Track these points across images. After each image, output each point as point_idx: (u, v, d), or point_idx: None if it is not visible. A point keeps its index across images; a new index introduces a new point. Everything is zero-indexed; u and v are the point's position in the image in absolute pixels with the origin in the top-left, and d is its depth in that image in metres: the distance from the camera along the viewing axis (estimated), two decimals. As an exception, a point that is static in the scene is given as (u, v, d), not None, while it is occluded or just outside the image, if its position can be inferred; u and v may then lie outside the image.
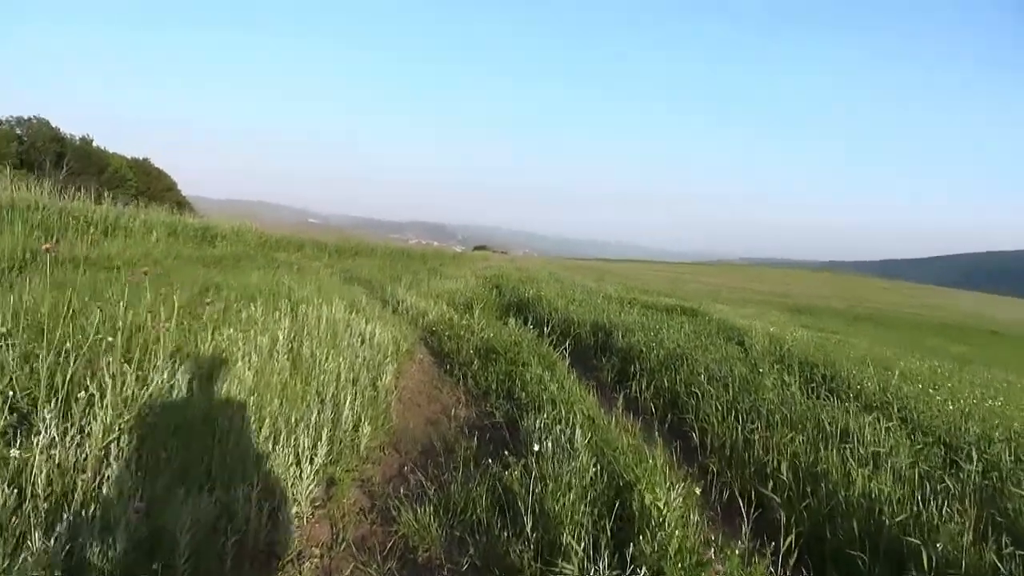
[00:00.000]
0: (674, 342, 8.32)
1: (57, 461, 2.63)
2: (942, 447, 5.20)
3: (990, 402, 7.54)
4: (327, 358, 5.22)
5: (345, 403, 4.53)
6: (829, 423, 5.27)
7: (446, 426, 5.31)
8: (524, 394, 5.74)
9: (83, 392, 2.95)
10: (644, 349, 7.96)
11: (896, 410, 6.12)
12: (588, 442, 4.17)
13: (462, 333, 8.17)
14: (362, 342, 6.57)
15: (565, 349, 7.79)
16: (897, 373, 8.16)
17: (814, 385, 7.09)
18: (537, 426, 4.57)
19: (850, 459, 4.53)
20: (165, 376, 3.47)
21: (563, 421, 4.67)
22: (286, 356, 4.99)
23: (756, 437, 5.06)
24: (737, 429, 5.29)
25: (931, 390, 7.41)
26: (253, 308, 6.08)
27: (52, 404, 2.82)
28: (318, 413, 4.21)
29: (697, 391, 6.29)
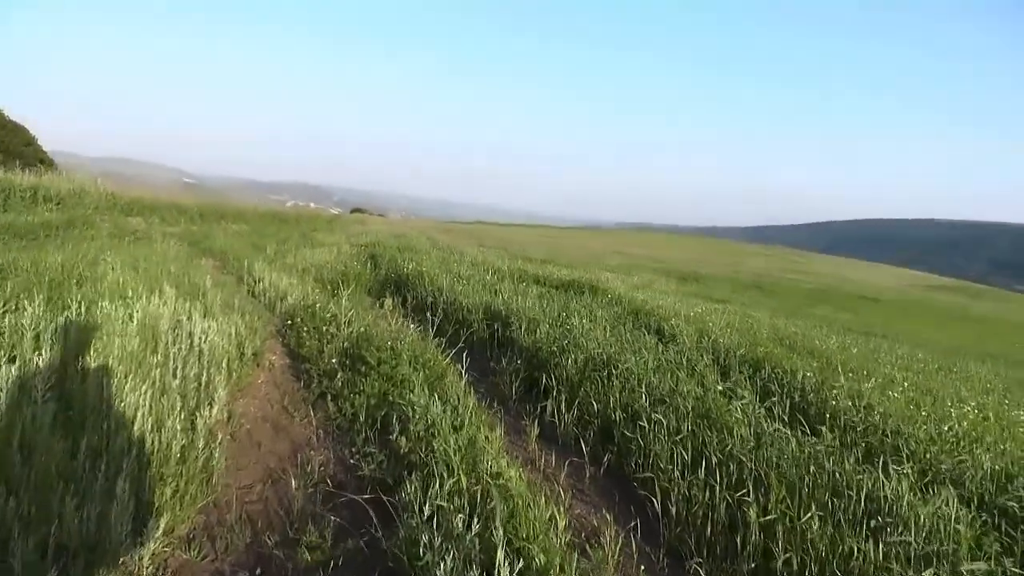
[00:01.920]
0: (592, 339, 6.86)
1: None
2: (995, 515, 3.81)
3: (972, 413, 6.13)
4: (121, 392, 3.75)
5: (126, 481, 2.97)
6: (846, 486, 3.81)
7: (291, 489, 3.73)
8: (404, 439, 4.13)
9: None
10: (556, 351, 6.47)
11: (904, 448, 4.69)
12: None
13: (325, 328, 6.59)
14: (191, 347, 5.11)
15: (455, 348, 6.44)
16: (871, 386, 6.52)
17: (773, 398, 5.64)
18: (424, 511, 3.13)
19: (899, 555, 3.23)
20: None
21: (468, 505, 3.25)
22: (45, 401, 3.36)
23: (752, 513, 3.57)
24: (712, 491, 3.87)
25: (912, 406, 6.03)
26: (29, 307, 4.49)
27: None
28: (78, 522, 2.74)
29: (641, 420, 4.78)
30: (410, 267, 11.67)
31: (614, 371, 5.74)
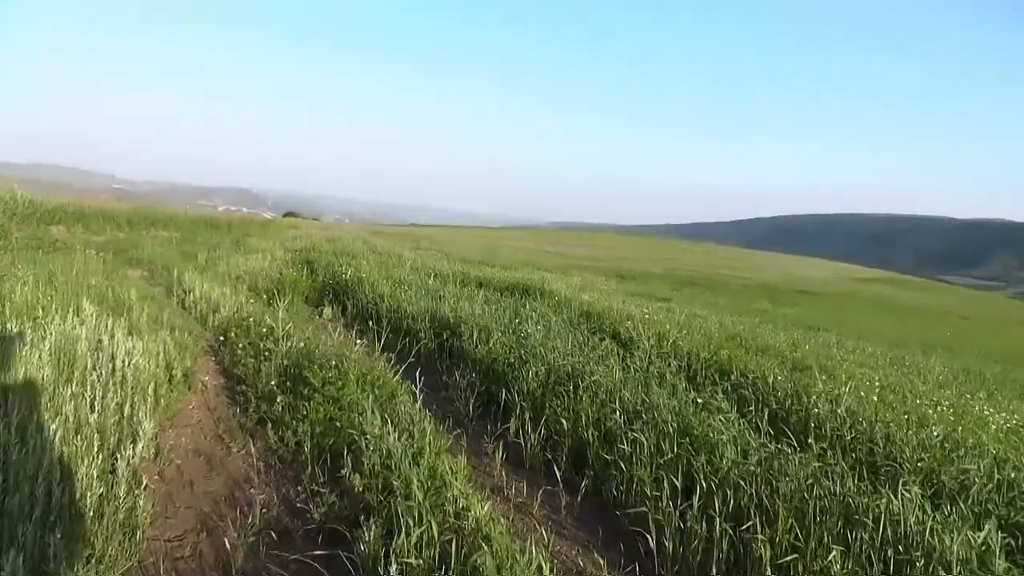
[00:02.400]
0: (550, 348, 6.45)
1: None
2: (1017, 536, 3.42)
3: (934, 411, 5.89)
4: (25, 433, 3.25)
5: (20, 555, 2.48)
6: (858, 511, 3.45)
7: (229, 539, 3.22)
8: (358, 476, 3.62)
9: None
10: (514, 362, 6.06)
11: (900, 459, 4.32)
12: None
13: (261, 343, 6.10)
14: (113, 372, 4.65)
15: (405, 364, 5.97)
16: (847, 389, 6.02)
17: (750, 407, 5.25)
18: (389, 569, 2.73)
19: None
20: None
21: (440, 557, 2.85)
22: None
23: (762, 550, 3.19)
24: (710, 522, 3.46)
25: (889, 409, 5.64)
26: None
27: None
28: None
29: (619, 441, 4.38)
30: (349, 273, 11.20)
31: (580, 384, 5.33)
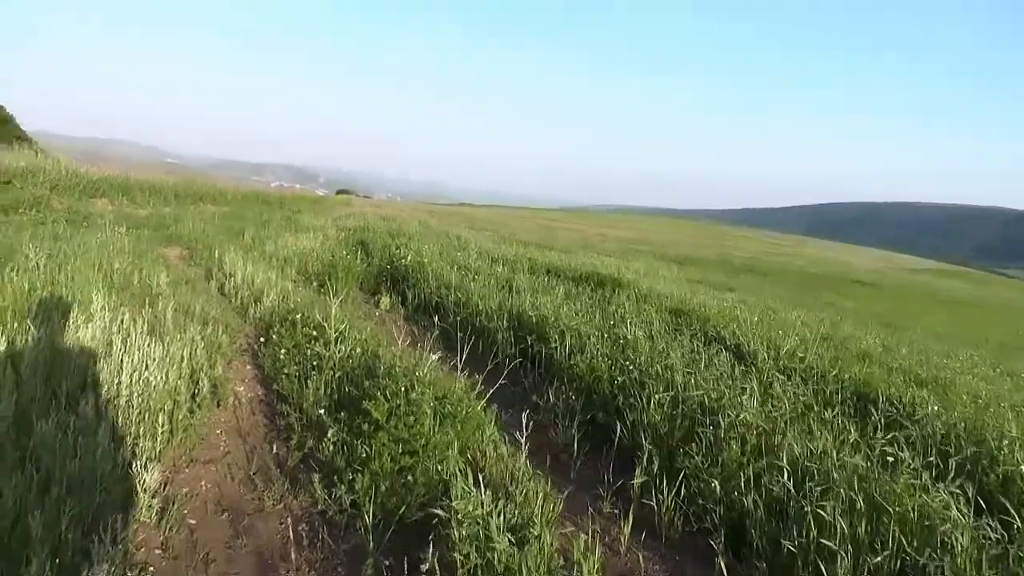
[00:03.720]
0: (660, 360, 5.14)
1: None
2: None
3: None
4: None
5: None
6: None
7: None
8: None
9: None
10: (628, 384, 4.69)
11: None
12: None
13: (309, 346, 4.95)
14: (118, 394, 3.54)
15: (481, 374, 4.62)
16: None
17: (930, 457, 3.60)
18: None
19: None
20: None
21: None
22: None
23: None
24: None
25: None
26: None
27: None
28: None
29: (793, 512, 3.12)
30: (408, 258, 10.01)
31: (721, 421, 3.93)
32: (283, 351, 4.90)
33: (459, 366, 4.65)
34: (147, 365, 3.85)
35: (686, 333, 6.75)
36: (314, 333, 5.11)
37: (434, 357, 4.35)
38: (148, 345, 4.13)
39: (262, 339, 5.62)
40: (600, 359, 5.25)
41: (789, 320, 10.19)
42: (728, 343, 6.65)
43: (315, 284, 8.99)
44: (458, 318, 7.20)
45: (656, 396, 4.35)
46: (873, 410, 4.71)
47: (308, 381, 4.41)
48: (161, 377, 3.82)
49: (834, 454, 3.55)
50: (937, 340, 14.39)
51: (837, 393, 5.30)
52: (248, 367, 5.21)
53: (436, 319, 7.03)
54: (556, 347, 5.80)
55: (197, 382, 4.24)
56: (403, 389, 3.64)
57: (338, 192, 75.71)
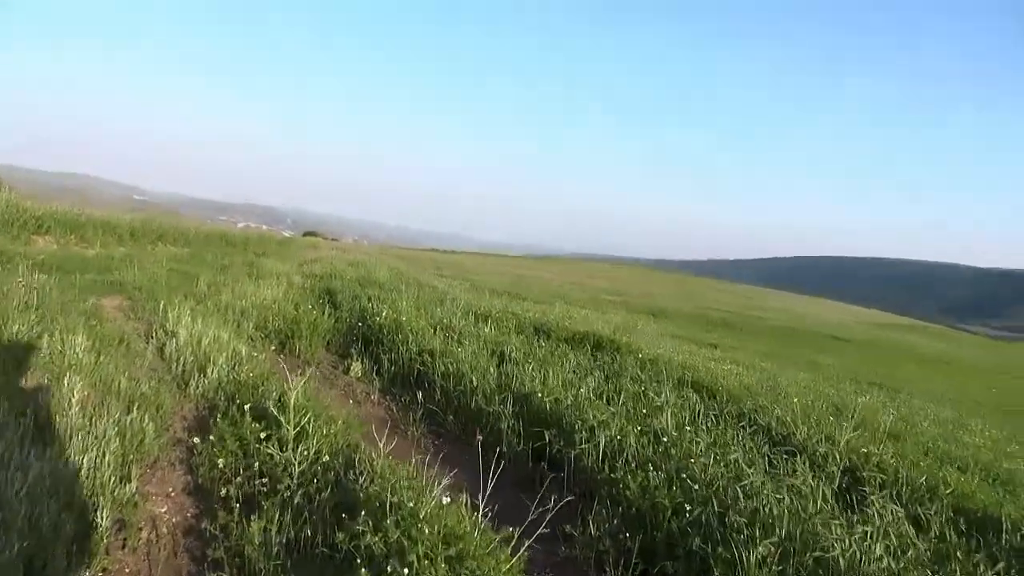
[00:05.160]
0: (723, 468, 4.09)
1: None
2: None
3: None
4: None
5: None
6: None
7: None
8: None
9: None
10: (706, 519, 3.46)
11: None
12: None
13: (260, 444, 3.68)
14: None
15: (488, 483, 3.32)
16: None
17: None
18: None
19: None
20: None
21: None
22: None
23: None
24: None
25: None
26: None
27: None
28: None
29: None
30: (383, 314, 8.71)
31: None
32: (222, 459, 3.60)
33: (475, 492, 3.40)
34: (17, 494, 2.62)
35: (730, 423, 5.58)
36: (264, 433, 3.83)
37: (441, 486, 3.13)
38: (28, 456, 2.91)
39: (200, 430, 4.35)
40: (651, 472, 3.96)
41: (794, 383, 9.30)
42: (775, 433, 5.51)
43: (276, 343, 7.73)
44: (445, 395, 5.99)
45: (757, 551, 3.03)
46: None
47: (255, 511, 3.17)
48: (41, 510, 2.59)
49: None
50: (935, 403, 13.70)
51: (937, 514, 4.16)
52: (177, 471, 3.91)
53: (419, 395, 5.84)
54: (585, 448, 4.51)
55: (97, 509, 2.99)
56: (396, 542, 2.42)
57: (305, 234, 74.06)
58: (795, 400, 6.55)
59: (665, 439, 4.60)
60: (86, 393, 4.23)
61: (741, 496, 3.67)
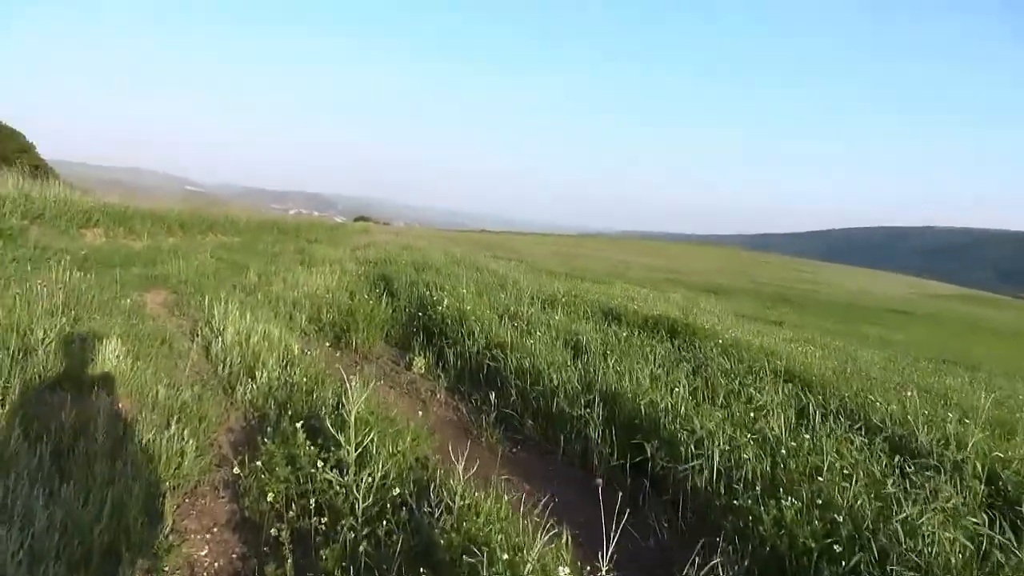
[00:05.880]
0: (861, 490, 3.25)
1: None
2: None
3: None
4: None
5: None
6: None
7: None
8: None
9: None
10: (843, 562, 2.70)
11: None
12: None
13: (316, 470, 3.07)
14: None
15: (574, 486, 2.56)
16: None
17: None
18: None
19: None
20: None
21: None
22: None
23: None
24: None
25: None
26: None
27: None
28: None
29: None
30: (444, 303, 8.01)
31: None
32: (271, 493, 2.97)
33: (585, 533, 2.69)
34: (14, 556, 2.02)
35: (841, 423, 4.68)
36: (321, 455, 3.17)
37: (544, 533, 2.42)
38: (37, 498, 2.32)
39: (248, 445, 3.75)
40: (783, 499, 3.17)
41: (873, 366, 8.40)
42: (893, 435, 4.61)
43: (330, 336, 7.18)
44: (520, 394, 5.28)
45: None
46: None
47: (309, 554, 2.52)
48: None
49: None
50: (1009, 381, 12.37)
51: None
52: (221, 498, 3.32)
53: (492, 395, 5.17)
54: (693, 465, 3.74)
55: (120, 563, 2.39)
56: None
57: (356, 219, 74.13)
58: (909, 394, 5.56)
59: (783, 450, 3.78)
60: (118, 407, 3.66)
61: (902, 534, 2.86)
